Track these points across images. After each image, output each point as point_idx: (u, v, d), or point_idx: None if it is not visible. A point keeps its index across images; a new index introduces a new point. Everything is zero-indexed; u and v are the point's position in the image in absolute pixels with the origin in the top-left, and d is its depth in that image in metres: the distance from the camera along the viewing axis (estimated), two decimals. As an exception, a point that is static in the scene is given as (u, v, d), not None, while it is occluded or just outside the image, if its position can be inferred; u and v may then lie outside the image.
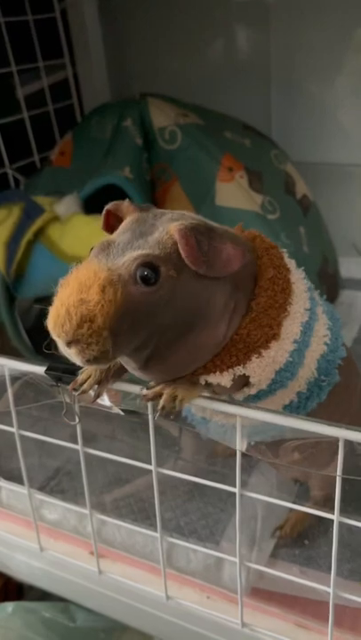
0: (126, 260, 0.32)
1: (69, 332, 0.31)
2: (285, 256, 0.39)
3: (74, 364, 0.40)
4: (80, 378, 0.39)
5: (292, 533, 0.52)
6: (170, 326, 0.33)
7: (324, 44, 0.85)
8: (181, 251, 0.32)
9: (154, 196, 0.74)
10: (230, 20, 0.90)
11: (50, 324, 0.32)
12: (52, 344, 0.34)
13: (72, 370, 0.40)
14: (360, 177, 0.90)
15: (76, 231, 0.66)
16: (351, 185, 0.92)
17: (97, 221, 0.66)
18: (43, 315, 0.34)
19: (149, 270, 0.32)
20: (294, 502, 0.54)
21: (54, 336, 0.32)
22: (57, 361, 0.41)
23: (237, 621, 0.45)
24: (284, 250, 0.39)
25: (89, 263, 0.33)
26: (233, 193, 0.70)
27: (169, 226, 0.33)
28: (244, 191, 0.70)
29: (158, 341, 0.34)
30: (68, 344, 0.32)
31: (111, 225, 0.36)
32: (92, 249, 0.34)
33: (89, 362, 0.32)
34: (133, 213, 0.35)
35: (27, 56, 0.86)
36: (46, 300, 0.35)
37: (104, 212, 0.37)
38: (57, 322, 0.32)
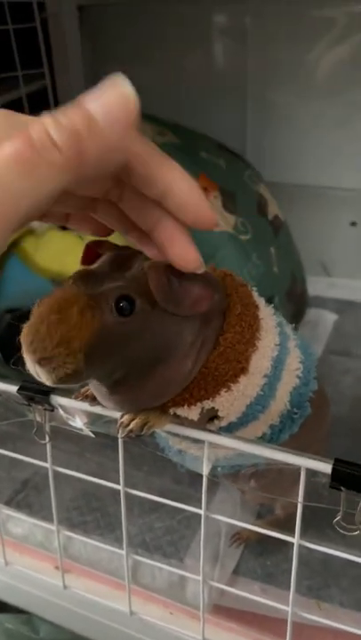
0: (105, 289, 0.33)
1: (48, 349, 0.31)
2: (255, 294, 0.40)
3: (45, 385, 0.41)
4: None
5: (249, 539, 0.54)
6: (138, 357, 0.34)
7: (300, 65, 0.87)
8: (152, 288, 0.33)
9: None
10: (209, 38, 0.91)
11: (27, 338, 0.32)
12: (19, 361, 0.34)
13: (44, 390, 0.41)
14: (329, 198, 0.93)
15: (51, 245, 0.66)
16: (320, 206, 0.94)
17: (71, 237, 0.67)
18: (12, 326, 0.34)
19: (125, 302, 0.33)
20: (257, 519, 0.55)
21: (28, 351, 0.32)
22: (28, 379, 0.41)
23: (199, 637, 0.46)
24: (254, 288, 0.41)
25: (69, 287, 0.34)
26: (207, 213, 0.72)
27: (144, 263, 0.34)
28: (217, 212, 0.72)
29: (127, 372, 0.35)
30: (40, 362, 0.32)
31: (90, 259, 0.37)
32: (70, 277, 0.35)
33: (60, 380, 0.32)
34: (113, 251, 0.36)
35: (6, 65, 0.86)
36: (19, 313, 0.35)
37: (85, 247, 0.38)
38: (36, 337, 0.32)
